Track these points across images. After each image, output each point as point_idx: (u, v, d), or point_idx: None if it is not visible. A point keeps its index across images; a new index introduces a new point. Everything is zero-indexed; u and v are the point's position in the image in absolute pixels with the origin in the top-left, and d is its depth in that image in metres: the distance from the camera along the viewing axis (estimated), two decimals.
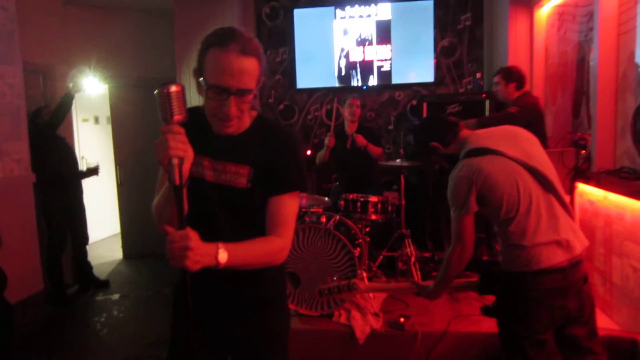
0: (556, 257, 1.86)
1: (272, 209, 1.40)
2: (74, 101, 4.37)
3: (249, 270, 1.35)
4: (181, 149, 1.16)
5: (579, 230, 1.97)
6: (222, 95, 1.28)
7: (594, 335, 1.98)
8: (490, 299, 2.12)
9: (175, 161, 1.15)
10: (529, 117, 3.44)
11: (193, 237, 1.15)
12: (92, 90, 5.61)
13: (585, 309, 1.93)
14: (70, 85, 4.27)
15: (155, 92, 1.16)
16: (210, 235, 1.21)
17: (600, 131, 2.98)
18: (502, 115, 3.64)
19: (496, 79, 3.77)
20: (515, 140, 2.06)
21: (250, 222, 1.41)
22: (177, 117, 1.16)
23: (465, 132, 2.18)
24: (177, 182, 1.15)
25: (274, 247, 1.37)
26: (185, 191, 1.21)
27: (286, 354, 1.59)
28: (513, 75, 3.66)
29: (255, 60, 1.31)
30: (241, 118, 1.35)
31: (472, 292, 2.26)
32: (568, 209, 1.98)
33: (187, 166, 1.19)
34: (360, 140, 4.32)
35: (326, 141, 4.46)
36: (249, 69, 1.29)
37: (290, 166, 1.43)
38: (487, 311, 2.18)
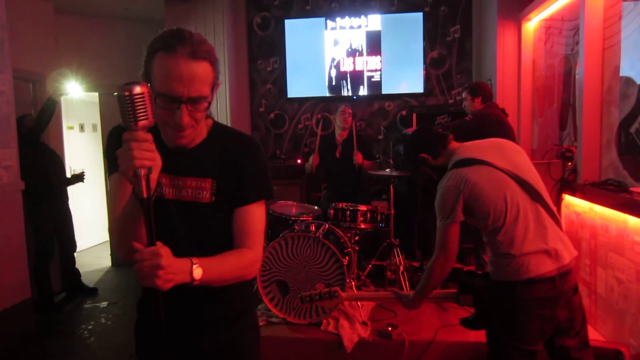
0: (545, 267, 1.87)
1: (240, 221, 1.31)
2: (61, 108, 4.36)
3: (213, 287, 1.26)
4: (148, 158, 1.04)
5: (567, 240, 1.99)
6: (172, 104, 1.16)
7: (586, 346, 2.00)
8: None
9: (141, 172, 1.03)
10: (483, 124, 3.55)
11: (165, 254, 1.05)
12: (76, 96, 5.58)
13: (575, 320, 1.94)
14: (52, 89, 4.25)
15: (115, 94, 1.01)
16: (175, 255, 1.10)
17: (586, 143, 3.03)
18: (457, 122, 3.78)
19: (463, 94, 3.89)
20: (502, 151, 2.09)
21: (216, 237, 1.31)
22: (143, 122, 1.03)
23: (453, 144, 2.21)
24: (145, 194, 1.04)
25: (247, 260, 1.29)
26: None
27: None
28: (478, 91, 3.76)
29: (208, 64, 1.19)
30: (196, 128, 1.23)
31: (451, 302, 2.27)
32: (556, 218, 2.00)
33: (154, 176, 1.07)
34: (359, 158, 4.36)
35: (310, 160, 4.50)
36: (200, 74, 1.16)
37: (255, 174, 1.33)
38: (466, 323, 2.20)
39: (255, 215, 1.33)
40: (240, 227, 1.31)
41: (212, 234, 1.32)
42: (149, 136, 1.05)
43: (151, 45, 1.19)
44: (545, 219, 1.95)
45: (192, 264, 1.13)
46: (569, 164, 3.22)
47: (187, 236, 1.29)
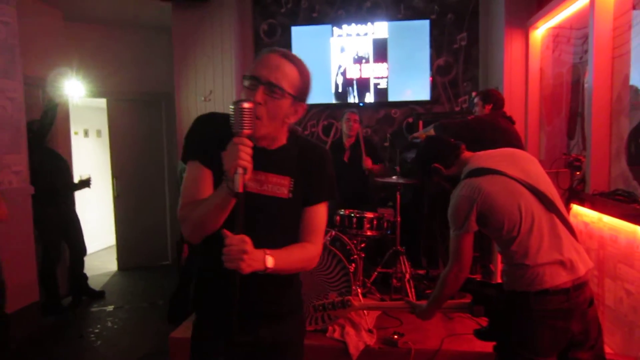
0: (560, 278, 1.85)
1: (307, 218, 1.50)
2: (68, 113, 4.38)
3: (276, 281, 1.44)
4: (248, 161, 1.26)
5: (582, 251, 1.96)
6: (253, 83, 1.36)
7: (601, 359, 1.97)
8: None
9: (240, 171, 1.25)
10: (483, 128, 3.57)
11: (249, 241, 1.26)
12: (80, 102, 5.63)
13: (590, 333, 1.91)
14: (52, 90, 4.27)
15: (231, 106, 1.28)
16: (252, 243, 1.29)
17: (595, 153, 3.01)
18: (458, 120, 3.83)
19: (475, 100, 3.92)
20: (515, 161, 2.08)
21: (285, 231, 1.49)
22: (247, 131, 1.27)
23: (466, 154, 2.20)
24: (241, 189, 1.25)
25: (309, 254, 1.49)
26: (233, 201, 1.30)
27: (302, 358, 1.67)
28: (490, 98, 3.79)
29: (295, 69, 1.40)
30: (267, 118, 1.37)
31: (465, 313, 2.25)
32: (571, 229, 1.98)
33: (246, 177, 1.27)
34: (368, 163, 4.37)
35: None
36: (285, 69, 1.38)
37: (324, 178, 1.54)
38: (480, 334, 2.18)
39: (320, 214, 1.53)
40: (306, 223, 1.51)
41: (284, 225, 1.49)
42: (251, 143, 1.28)
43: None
44: (560, 229, 1.93)
45: (265, 254, 1.32)
46: (578, 173, 3.20)
47: (262, 226, 1.43)
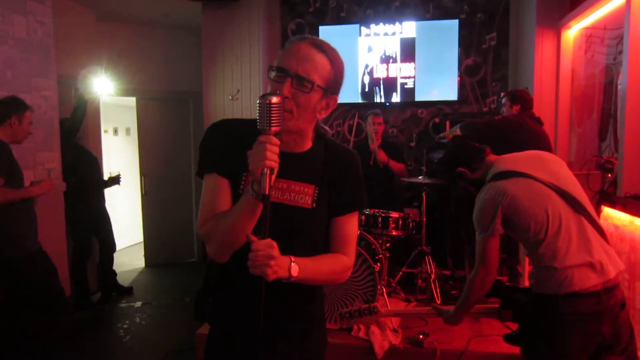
0: (589, 280, 1.83)
1: (338, 229, 1.41)
2: (99, 111, 4.46)
3: (297, 293, 1.37)
4: (275, 160, 1.16)
5: (613, 253, 1.94)
6: (280, 75, 1.25)
7: None
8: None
9: (267, 171, 1.15)
10: (510, 128, 3.55)
11: (275, 246, 1.17)
12: (110, 100, 5.75)
13: (622, 337, 1.89)
14: (82, 88, 4.37)
15: (258, 101, 1.17)
16: None
17: (627, 155, 2.95)
18: (485, 120, 3.80)
19: (503, 100, 3.88)
20: (541, 163, 2.06)
21: (309, 243, 1.39)
22: (275, 128, 1.16)
23: (491, 157, 2.20)
24: (267, 191, 1.15)
25: (342, 266, 1.40)
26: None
27: None
28: (519, 98, 3.75)
29: (326, 59, 1.28)
30: (296, 112, 1.26)
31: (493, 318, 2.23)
32: (601, 230, 1.96)
33: (273, 177, 1.17)
34: (382, 156, 4.36)
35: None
36: (315, 59, 1.26)
37: (354, 186, 1.42)
38: (510, 339, 2.16)
39: (351, 225, 1.43)
40: (337, 234, 1.41)
41: (307, 237, 1.39)
42: (278, 142, 1.17)
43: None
44: (589, 231, 1.91)
45: (291, 261, 1.23)
46: (609, 175, 3.14)
47: (285, 237, 1.28)
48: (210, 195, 1.34)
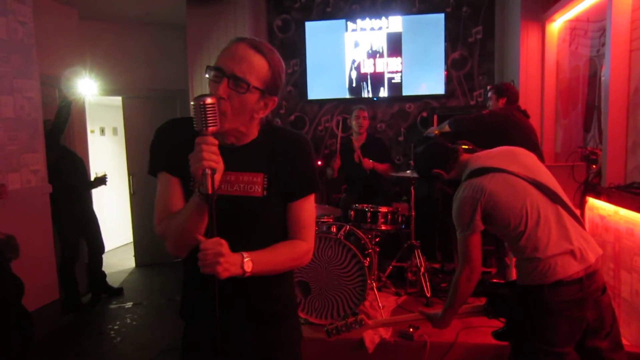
0: (571, 268, 1.86)
1: (293, 215, 1.40)
2: (85, 112, 4.39)
3: (261, 286, 1.37)
4: (214, 160, 1.18)
5: (591, 239, 1.98)
6: (217, 75, 1.26)
7: (619, 347, 1.98)
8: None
9: (208, 171, 1.17)
10: (499, 123, 3.58)
11: (224, 244, 1.19)
12: (94, 100, 5.69)
13: (605, 320, 1.93)
14: (65, 89, 4.31)
15: (192, 103, 1.19)
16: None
17: (611, 146, 2.99)
18: (473, 115, 3.81)
19: (489, 94, 3.90)
20: (514, 157, 2.10)
21: (265, 232, 1.39)
22: (212, 128, 1.18)
23: (464, 156, 2.23)
24: (210, 191, 1.17)
25: (299, 251, 1.39)
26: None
27: None
28: (504, 92, 3.77)
29: (263, 59, 1.28)
30: (230, 112, 1.26)
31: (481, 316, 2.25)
32: (577, 218, 2.00)
33: (217, 177, 1.20)
34: (367, 164, 4.38)
35: (331, 165, 4.59)
36: (252, 60, 1.26)
37: (306, 170, 1.42)
38: (498, 335, 2.18)
39: (306, 209, 1.42)
40: (293, 220, 1.40)
41: (261, 227, 1.39)
42: (216, 142, 1.19)
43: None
44: (566, 220, 1.95)
45: (243, 257, 1.24)
46: (594, 166, 3.18)
47: (239, 229, 1.34)
48: (163, 194, 1.37)
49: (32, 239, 3.65)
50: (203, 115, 1.17)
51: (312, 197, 1.44)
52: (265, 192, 1.36)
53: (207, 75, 1.28)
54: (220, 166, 1.20)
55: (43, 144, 3.96)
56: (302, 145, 1.42)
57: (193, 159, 1.18)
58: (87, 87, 4.73)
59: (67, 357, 3.61)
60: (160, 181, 1.39)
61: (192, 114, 1.20)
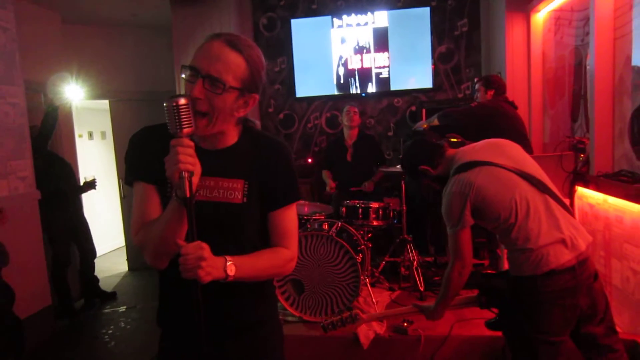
0: (563, 256, 1.87)
1: (276, 223, 1.37)
2: (72, 116, 4.36)
3: (239, 291, 1.33)
4: (190, 163, 1.13)
5: (580, 226, 1.99)
6: (192, 75, 1.21)
7: (612, 332, 1.99)
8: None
9: (185, 174, 1.13)
10: (488, 115, 3.58)
11: (206, 247, 1.15)
12: (81, 104, 5.65)
13: (598, 306, 1.94)
14: (52, 95, 4.28)
15: (165, 104, 1.13)
16: None
17: (598, 134, 3.00)
18: (462, 108, 3.79)
19: (477, 85, 3.89)
20: (500, 149, 2.10)
21: (243, 237, 1.35)
22: (187, 129, 1.14)
23: (450, 151, 2.22)
24: (188, 194, 1.13)
25: (282, 258, 1.36)
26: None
27: None
28: (492, 84, 3.77)
29: (240, 57, 1.23)
30: (211, 113, 1.22)
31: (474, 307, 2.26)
32: (566, 206, 2.00)
33: (195, 180, 1.15)
34: (369, 187, 4.45)
35: (327, 184, 4.64)
36: (227, 59, 1.21)
37: (288, 178, 1.39)
38: (491, 325, 2.19)
39: (289, 217, 1.40)
40: (275, 228, 1.38)
41: (242, 234, 1.35)
42: (192, 144, 1.15)
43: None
44: (555, 209, 1.95)
45: (226, 261, 1.20)
46: (582, 155, 3.20)
47: (217, 236, 1.28)
48: (139, 203, 1.32)
49: (22, 246, 3.61)
50: (177, 117, 1.12)
51: (294, 206, 1.41)
52: (245, 199, 1.33)
53: (182, 75, 1.23)
54: (197, 168, 1.15)
55: (30, 150, 3.92)
56: (284, 153, 1.40)
57: (169, 162, 1.13)
58: (73, 91, 4.69)
59: None
60: (135, 191, 1.33)
61: (165, 116, 1.14)
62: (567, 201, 2.05)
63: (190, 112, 1.14)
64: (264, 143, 1.39)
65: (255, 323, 1.42)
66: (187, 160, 1.12)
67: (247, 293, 1.37)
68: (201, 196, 1.29)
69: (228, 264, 1.20)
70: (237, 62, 1.23)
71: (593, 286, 1.93)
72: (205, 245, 1.15)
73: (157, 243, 1.25)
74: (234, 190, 1.32)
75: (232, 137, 1.35)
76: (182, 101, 1.13)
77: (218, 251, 1.20)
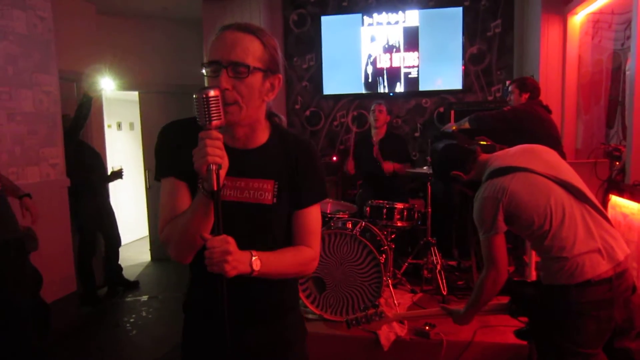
0: (600, 267, 1.81)
1: (300, 222, 1.38)
2: (102, 107, 4.43)
3: (263, 284, 1.32)
4: (219, 155, 1.13)
5: (619, 236, 1.92)
6: (215, 72, 1.21)
7: None
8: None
9: (213, 167, 1.12)
10: (521, 119, 3.51)
11: (232, 241, 1.15)
12: (113, 95, 5.73)
13: (635, 321, 1.88)
14: (87, 86, 4.34)
15: (194, 96, 1.13)
16: None
17: (636, 142, 2.91)
18: (494, 112, 3.70)
19: (511, 88, 3.79)
20: (535, 155, 2.05)
21: (273, 237, 1.36)
22: (216, 122, 1.14)
23: (483, 156, 2.18)
24: (215, 187, 1.13)
25: (305, 257, 1.37)
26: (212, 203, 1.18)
27: (307, 357, 1.55)
28: (527, 86, 3.68)
29: (254, 38, 1.23)
30: (240, 103, 1.22)
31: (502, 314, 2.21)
32: (604, 215, 1.94)
33: (222, 173, 1.14)
34: (387, 167, 4.29)
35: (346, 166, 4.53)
36: (244, 42, 1.21)
37: (315, 178, 1.40)
38: (521, 334, 2.14)
39: (313, 217, 1.40)
40: (300, 227, 1.38)
41: (271, 234, 1.36)
42: (220, 136, 1.14)
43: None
44: (593, 218, 1.90)
45: (252, 255, 1.21)
46: (617, 163, 3.11)
47: (247, 236, 1.26)
48: (168, 199, 1.31)
49: (51, 232, 3.68)
50: (206, 109, 1.12)
51: (319, 205, 1.42)
52: (275, 200, 1.33)
53: (204, 72, 1.24)
54: (225, 161, 1.15)
55: (62, 138, 4.00)
56: (312, 153, 1.41)
57: (197, 154, 1.13)
58: (107, 83, 4.77)
59: (84, 349, 3.65)
60: (164, 186, 1.32)
61: (195, 109, 1.14)
62: (600, 206, 1.98)
63: (220, 104, 1.14)
64: (292, 142, 1.39)
65: (277, 314, 1.43)
66: (215, 152, 1.12)
67: (270, 285, 1.35)
68: (232, 197, 1.30)
69: (254, 258, 1.21)
70: (253, 44, 1.23)
71: (630, 299, 1.87)
72: (231, 239, 1.15)
73: (181, 237, 1.25)
74: (265, 191, 1.32)
75: (262, 135, 1.35)
76: (212, 93, 1.13)
77: (247, 249, 1.21)
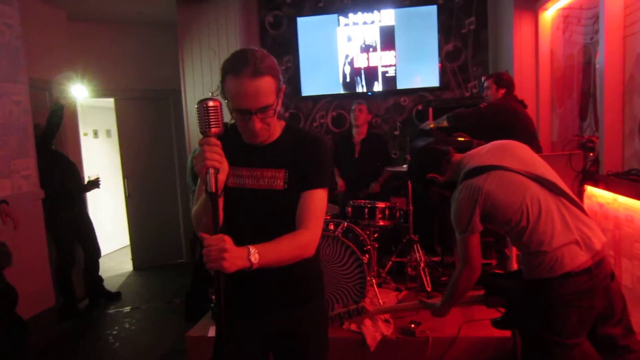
0: (579, 258, 1.84)
1: (302, 202, 1.49)
2: (77, 115, 4.34)
3: (290, 269, 1.44)
4: (217, 160, 1.28)
5: (595, 226, 1.95)
6: (245, 115, 1.40)
7: (630, 332, 1.96)
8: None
9: (211, 171, 1.27)
10: (498, 114, 3.53)
11: (228, 240, 1.24)
12: (85, 102, 5.64)
13: (615, 307, 1.91)
14: (58, 94, 4.25)
15: (196, 106, 1.29)
16: (253, 237, 1.33)
17: (607, 133, 2.96)
18: (472, 110, 3.72)
19: (487, 83, 3.81)
20: (509, 152, 2.07)
21: (285, 220, 1.49)
22: (214, 129, 1.28)
23: (456, 157, 2.20)
24: (213, 189, 1.27)
25: (302, 241, 1.45)
26: (221, 201, 1.34)
27: (327, 345, 1.70)
28: (504, 82, 3.72)
29: (270, 78, 1.39)
30: (269, 129, 1.47)
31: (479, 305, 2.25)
32: (580, 206, 1.97)
33: (222, 177, 1.31)
34: (375, 189, 4.40)
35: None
36: (264, 88, 1.38)
37: (321, 165, 1.53)
38: (498, 324, 2.18)
39: (316, 200, 1.51)
40: (301, 208, 1.50)
41: (282, 216, 1.51)
42: (219, 142, 1.31)
43: (223, 69, 1.42)
44: (568, 209, 1.92)
45: (249, 250, 1.29)
46: (591, 154, 3.16)
47: (261, 218, 1.51)
48: (199, 185, 1.51)
49: (25, 246, 3.59)
50: (206, 117, 1.27)
51: (324, 192, 1.53)
52: (285, 185, 1.51)
53: (231, 112, 1.43)
54: (223, 166, 1.31)
55: (34, 149, 3.90)
56: (317, 145, 1.55)
57: (197, 158, 1.29)
58: (78, 90, 4.68)
59: None
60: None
61: (197, 117, 1.29)
62: (575, 198, 2.01)
63: (218, 113, 1.29)
64: (303, 137, 1.57)
65: (301, 299, 1.60)
66: (213, 157, 1.28)
67: (294, 272, 1.50)
68: (250, 184, 1.52)
69: (252, 252, 1.29)
70: (269, 84, 1.40)
71: (610, 286, 1.90)
72: (227, 238, 1.24)
73: (196, 221, 1.49)
74: (277, 179, 1.51)
75: (275, 133, 1.54)
76: (211, 103, 1.27)
77: (265, 231, 1.38)
